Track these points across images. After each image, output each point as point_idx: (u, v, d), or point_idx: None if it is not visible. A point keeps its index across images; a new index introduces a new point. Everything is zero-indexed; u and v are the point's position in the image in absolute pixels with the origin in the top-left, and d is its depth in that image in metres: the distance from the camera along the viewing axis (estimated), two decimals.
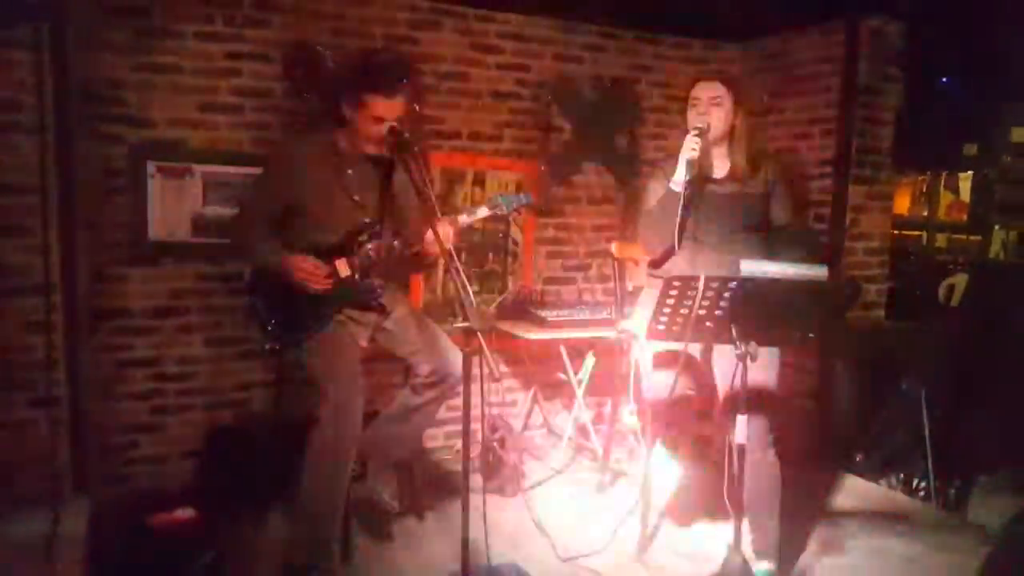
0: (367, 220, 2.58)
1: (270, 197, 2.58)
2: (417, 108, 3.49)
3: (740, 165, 2.56)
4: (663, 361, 2.55)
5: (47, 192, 2.66)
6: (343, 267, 2.53)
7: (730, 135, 2.55)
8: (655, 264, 2.64)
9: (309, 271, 2.47)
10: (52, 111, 2.66)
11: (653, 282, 2.62)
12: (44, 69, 2.63)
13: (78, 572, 2.37)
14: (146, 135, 3.09)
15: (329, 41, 3.31)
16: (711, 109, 2.50)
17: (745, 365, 2.14)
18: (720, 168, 2.58)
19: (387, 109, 2.44)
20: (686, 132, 2.47)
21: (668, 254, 2.56)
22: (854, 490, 3.42)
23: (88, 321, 2.96)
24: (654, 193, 2.60)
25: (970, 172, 5.02)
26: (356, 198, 2.58)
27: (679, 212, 2.44)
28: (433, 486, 3.19)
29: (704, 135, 2.44)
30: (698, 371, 2.56)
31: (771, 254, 2.50)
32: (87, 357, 2.89)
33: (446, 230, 2.39)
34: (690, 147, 2.41)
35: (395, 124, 2.44)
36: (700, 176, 2.50)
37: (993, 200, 4.89)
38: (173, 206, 3.15)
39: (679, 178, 2.44)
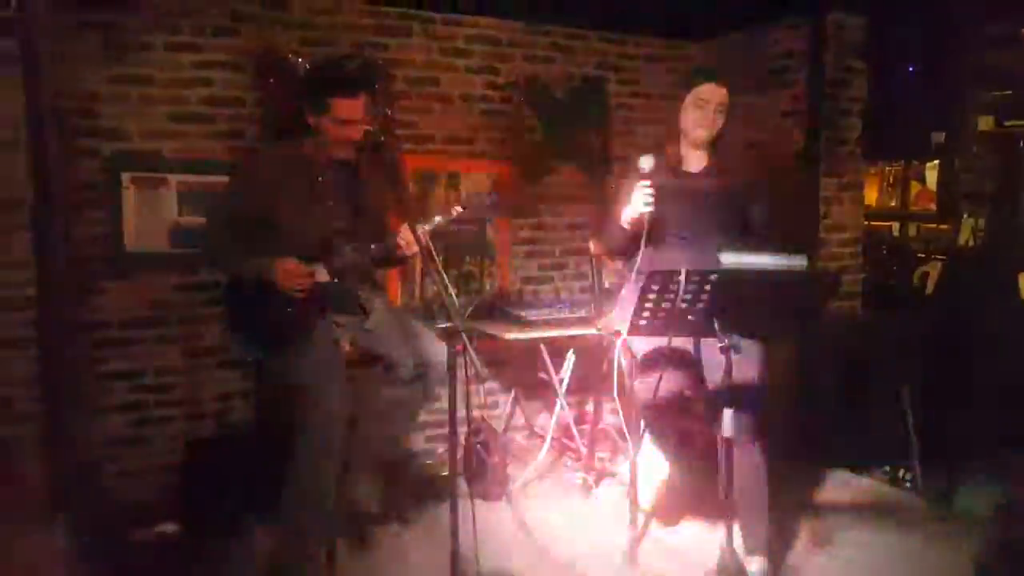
0: (342, 225, 2.57)
1: (240, 211, 2.54)
2: (389, 112, 3.49)
3: (721, 162, 2.54)
4: (653, 359, 2.53)
5: (23, 207, 2.62)
6: (321, 273, 2.52)
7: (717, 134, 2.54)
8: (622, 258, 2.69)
9: (293, 273, 2.45)
10: (27, 126, 2.62)
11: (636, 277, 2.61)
12: (17, 84, 2.60)
13: None
14: (120, 147, 3.07)
15: (298, 49, 3.30)
16: (716, 116, 2.48)
17: (729, 358, 2.12)
18: (698, 163, 2.57)
19: (350, 109, 2.44)
20: (671, 129, 2.47)
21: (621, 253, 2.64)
22: (841, 483, 3.38)
23: (65, 335, 2.91)
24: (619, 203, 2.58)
25: (936, 161, 5.08)
26: (329, 203, 2.56)
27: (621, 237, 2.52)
28: (416, 491, 3.16)
29: (660, 165, 2.41)
30: (692, 368, 2.52)
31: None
32: (64, 371, 2.84)
33: (421, 229, 2.37)
34: (642, 201, 2.36)
35: (369, 128, 2.44)
36: (674, 172, 2.50)
37: (959, 189, 4.96)
38: (149, 217, 3.13)
39: (625, 217, 2.45)
